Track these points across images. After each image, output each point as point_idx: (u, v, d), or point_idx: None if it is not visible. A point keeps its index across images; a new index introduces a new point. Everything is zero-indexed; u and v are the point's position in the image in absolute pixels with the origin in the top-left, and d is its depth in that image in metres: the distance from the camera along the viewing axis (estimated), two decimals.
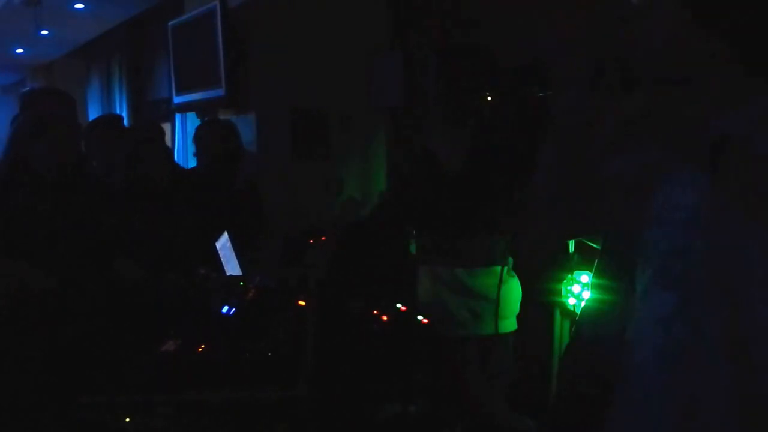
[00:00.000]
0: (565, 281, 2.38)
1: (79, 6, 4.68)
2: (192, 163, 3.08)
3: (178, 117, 4.23)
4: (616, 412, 0.89)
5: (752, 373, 0.73)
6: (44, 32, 5.08)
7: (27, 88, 8.05)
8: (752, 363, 0.73)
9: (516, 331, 2.15)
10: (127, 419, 1.22)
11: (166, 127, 4.38)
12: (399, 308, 2.18)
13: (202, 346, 1.52)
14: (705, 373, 0.77)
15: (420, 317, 2.13)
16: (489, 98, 2.11)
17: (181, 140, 4.12)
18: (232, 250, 2.25)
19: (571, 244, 2.30)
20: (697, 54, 0.82)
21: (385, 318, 2.15)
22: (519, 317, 2.16)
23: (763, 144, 0.74)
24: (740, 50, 0.80)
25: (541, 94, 1.11)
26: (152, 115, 4.93)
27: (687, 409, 0.78)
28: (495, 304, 2.08)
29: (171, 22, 3.62)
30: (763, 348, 0.73)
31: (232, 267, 2.18)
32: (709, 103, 0.83)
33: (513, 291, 2.15)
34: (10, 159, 1.80)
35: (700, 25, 0.80)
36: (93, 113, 6.10)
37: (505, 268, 2.14)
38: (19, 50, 6.49)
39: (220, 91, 3.21)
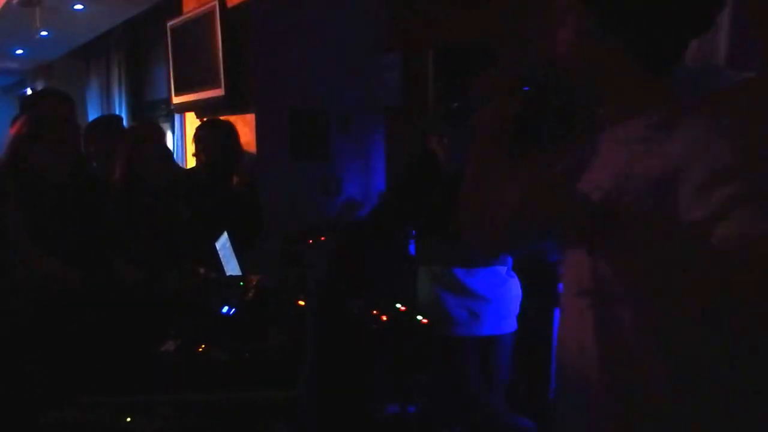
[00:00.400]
0: None
1: (79, 7, 4.67)
2: (191, 163, 3.08)
3: (177, 117, 4.23)
4: None
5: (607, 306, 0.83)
6: (44, 33, 5.08)
7: (26, 89, 8.07)
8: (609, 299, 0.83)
9: (516, 331, 2.15)
10: (128, 419, 1.21)
11: (165, 127, 4.39)
12: (398, 308, 2.18)
13: (202, 346, 1.52)
14: (577, 319, 0.88)
15: (419, 317, 2.13)
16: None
17: (180, 140, 4.12)
18: (231, 250, 2.25)
19: None
20: (598, 58, 0.85)
21: (384, 318, 2.15)
22: (519, 317, 2.16)
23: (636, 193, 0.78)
24: (636, 51, 0.83)
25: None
26: (151, 115, 4.93)
27: (568, 352, 0.91)
28: (495, 304, 2.08)
29: (170, 23, 3.62)
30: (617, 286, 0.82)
31: (231, 267, 2.18)
32: (612, 112, 0.87)
33: (513, 291, 2.15)
34: (11, 160, 1.80)
35: (601, 29, 0.83)
36: (92, 113, 6.10)
37: (505, 269, 2.14)
38: (19, 51, 6.49)
39: (219, 92, 3.20)
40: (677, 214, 0.73)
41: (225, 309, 1.68)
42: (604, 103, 0.89)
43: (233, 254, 2.24)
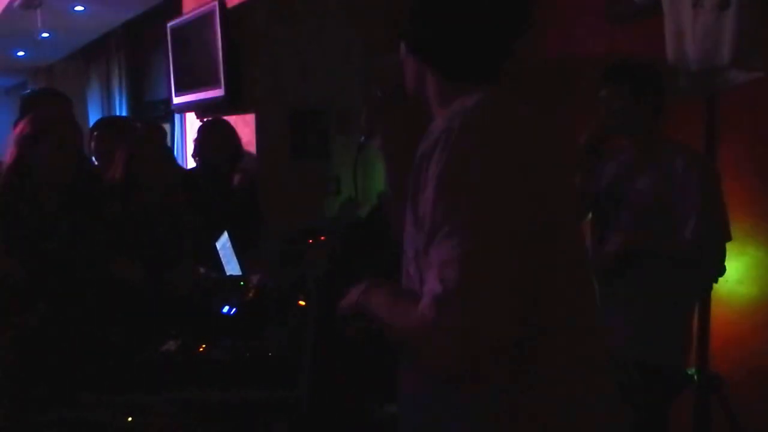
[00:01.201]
0: None
1: (79, 8, 4.68)
2: (191, 163, 3.08)
3: (177, 117, 4.23)
4: None
5: None
6: (45, 34, 5.09)
7: (28, 91, 8.08)
8: None
9: None
10: (129, 419, 1.22)
11: (165, 127, 4.38)
12: None
13: (203, 346, 1.52)
14: None
15: None
16: None
17: (181, 141, 4.12)
18: (232, 250, 2.25)
19: None
20: (416, 80, 0.98)
21: None
22: None
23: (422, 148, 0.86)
24: (440, 68, 0.94)
25: None
26: (151, 116, 4.93)
27: None
28: None
29: (170, 23, 3.62)
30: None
31: (232, 267, 2.18)
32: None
33: None
34: (14, 161, 1.80)
35: (416, 57, 0.96)
36: (93, 114, 6.10)
37: None
38: (20, 53, 6.50)
39: (220, 92, 3.20)
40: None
41: (225, 309, 1.68)
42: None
43: (233, 254, 2.24)
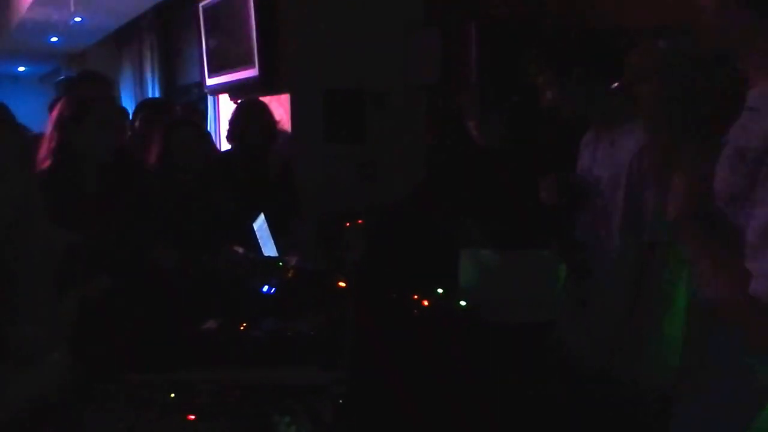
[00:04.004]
0: None
1: None
2: (224, 145, 3.05)
3: (210, 100, 4.21)
4: None
5: None
6: (77, 19, 5.13)
7: (62, 77, 8.22)
8: None
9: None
10: (172, 395, 1.19)
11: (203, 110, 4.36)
12: (440, 293, 2.11)
13: (243, 325, 1.49)
14: None
15: (462, 303, 2.06)
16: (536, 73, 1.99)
17: (215, 123, 4.10)
18: (268, 231, 2.21)
19: None
20: (742, 30, 0.90)
21: (425, 303, 2.09)
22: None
23: None
24: None
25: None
26: (184, 98, 4.94)
27: None
28: (541, 289, 2.00)
29: (202, 3, 3.59)
30: None
31: (268, 249, 2.14)
32: None
33: (560, 275, 2.06)
34: (56, 143, 1.79)
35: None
36: (126, 99, 6.15)
37: (552, 252, 2.05)
38: (54, 39, 6.58)
39: (254, 71, 3.16)
40: None
41: (265, 288, 1.64)
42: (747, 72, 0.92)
43: (270, 236, 2.21)
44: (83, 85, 2.43)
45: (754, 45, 0.88)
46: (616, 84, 1.37)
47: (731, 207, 0.85)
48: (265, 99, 3.01)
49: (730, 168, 0.85)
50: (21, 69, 8.90)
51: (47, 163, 1.75)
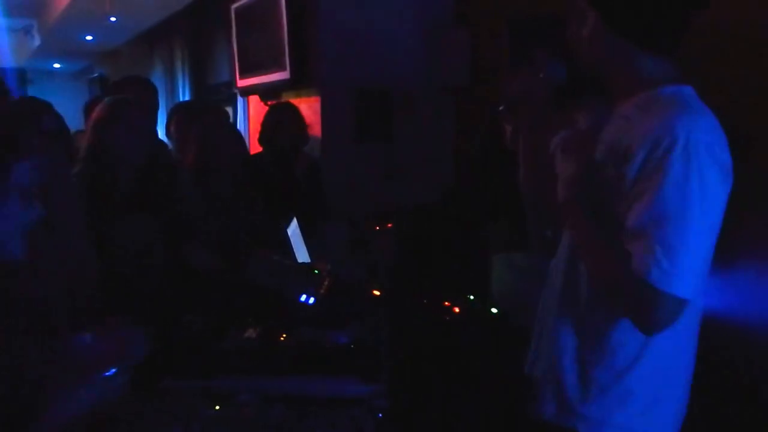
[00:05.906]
0: None
1: None
2: (254, 147, 3.08)
3: (240, 101, 4.25)
4: None
5: None
6: (112, 19, 5.22)
7: (96, 74, 8.39)
8: None
9: None
10: (216, 407, 1.21)
11: (228, 111, 4.42)
12: (471, 299, 2.10)
13: (283, 335, 1.50)
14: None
15: (494, 309, 2.04)
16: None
17: (244, 124, 4.14)
18: (300, 236, 2.23)
19: None
20: (609, 55, 1.06)
21: (457, 310, 2.08)
22: None
23: None
24: (641, 44, 1.04)
25: None
26: (214, 98, 4.99)
27: None
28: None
29: (234, 5, 3.61)
30: None
31: (301, 254, 2.16)
32: None
33: None
34: (92, 143, 1.86)
35: (611, 31, 1.04)
36: None
37: None
38: (89, 37, 6.71)
39: (285, 74, 3.18)
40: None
41: (303, 297, 1.65)
42: (612, 87, 1.07)
43: (302, 241, 2.22)
44: (127, 88, 2.50)
45: (630, 67, 1.01)
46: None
47: (614, 197, 0.99)
48: (294, 100, 3.03)
49: (612, 165, 0.99)
50: (56, 65, 9.12)
51: (83, 164, 1.82)
